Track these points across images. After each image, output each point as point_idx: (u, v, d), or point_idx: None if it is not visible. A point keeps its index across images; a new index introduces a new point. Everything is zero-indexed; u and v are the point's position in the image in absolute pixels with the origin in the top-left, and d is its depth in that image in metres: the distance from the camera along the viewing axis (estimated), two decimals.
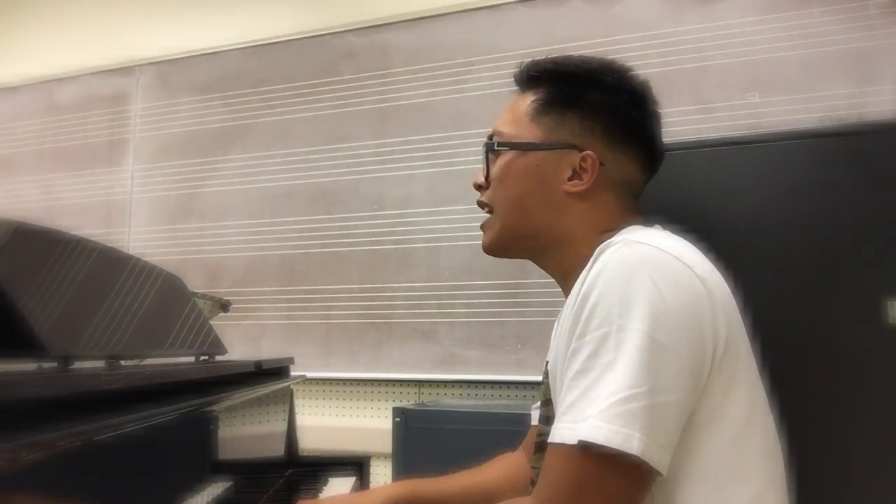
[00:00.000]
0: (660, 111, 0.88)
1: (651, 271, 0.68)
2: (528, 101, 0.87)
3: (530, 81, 0.88)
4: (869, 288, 1.04)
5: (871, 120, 1.53)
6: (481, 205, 0.91)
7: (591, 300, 0.69)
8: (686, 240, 0.81)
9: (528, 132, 0.85)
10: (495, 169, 0.87)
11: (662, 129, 0.88)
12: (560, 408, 0.69)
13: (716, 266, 0.76)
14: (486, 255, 0.92)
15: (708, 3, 1.91)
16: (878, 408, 1.02)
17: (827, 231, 1.07)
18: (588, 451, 0.63)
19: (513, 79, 0.91)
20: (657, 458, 0.63)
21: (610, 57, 0.88)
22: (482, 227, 0.91)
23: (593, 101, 0.84)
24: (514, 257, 0.92)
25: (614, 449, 0.62)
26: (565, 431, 0.66)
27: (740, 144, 1.15)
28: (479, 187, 0.91)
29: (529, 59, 0.89)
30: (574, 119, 0.84)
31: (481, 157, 0.90)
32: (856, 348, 1.04)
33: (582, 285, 0.72)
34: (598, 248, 0.74)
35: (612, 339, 0.66)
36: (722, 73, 1.87)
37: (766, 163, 1.13)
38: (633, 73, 0.87)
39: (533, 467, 0.85)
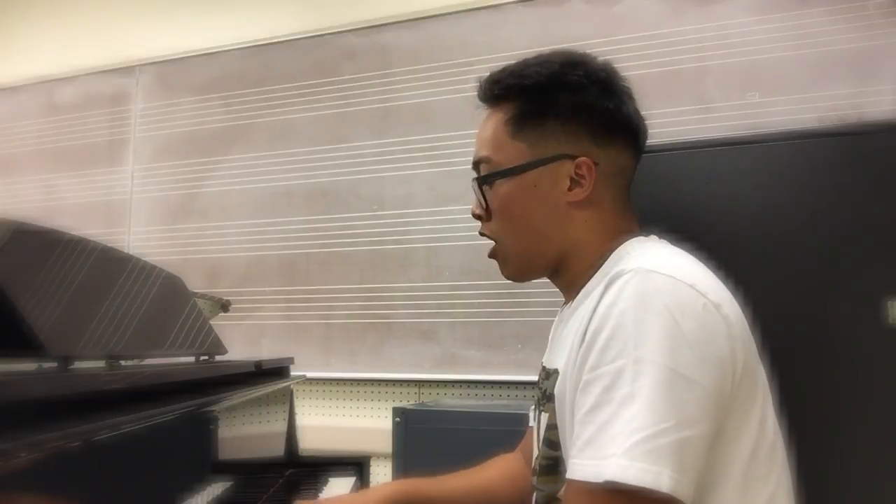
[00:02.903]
0: (628, 85, 0.85)
1: (667, 302, 0.67)
2: (503, 119, 0.85)
3: (496, 99, 0.87)
4: (869, 288, 1.04)
5: (871, 120, 1.53)
6: (484, 235, 0.89)
7: (605, 332, 0.67)
8: (686, 243, 0.80)
9: (514, 152, 0.83)
10: (494, 200, 0.85)
11: (636, 102, 0.86)
12: (575, 442, 0.68)
13: (716, 269, 0.76)
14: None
15: (708, 3, 1.91)
16: (878, 408, 1.02)
17: (827, 231, 1.07)
18: (615, 490, 0.62)
19: (477, 97, 0.88)
20: (685, 492, 0.62)
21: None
22: (494, 257, 0.89)
23: (566, 104, 0.82)
24: (537, 278, 0.90)
25: (644, 488, 0.61)
26: (587, 469, 0.64)
27: (740, 144, 1.16)
28: (478, 217, 0.89)
29: (488, 76, 0.87)
30: (555, 127, 0.82)
31: (475, 189, 0.88)
32: (856, 348, 1.04)
33: (593, 313, 0.70)
34: (609, 275, 0.72)
35: (628, 371, 0.64)
36: (722, 73, 1.87)
37: (766, 163, 1.13)
38: (592, 60, 0.85)
39: (538, 489, 0.84)
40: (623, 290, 0.68)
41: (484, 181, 0.86)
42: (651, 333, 0.65)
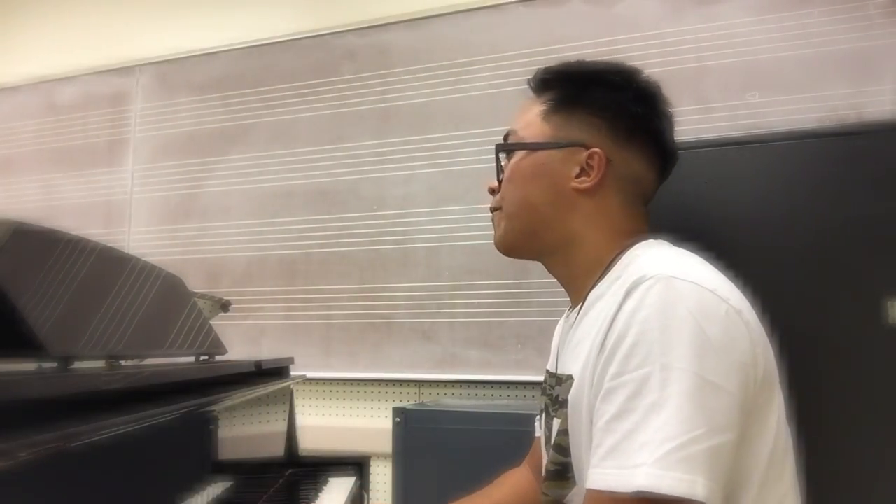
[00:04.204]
0: (671, 112, 0.88)
1: (691, 309, 0.66)
2: (540, 102, 0.89)
3: (543, 85, 0.90)
4: (869, 288, 1.04)
5: (871, 120, 1.53)
6: (493, 209, 0.91)
7: (629, 339, 0.67)
8: (686, 244, 0.81)
9: (539, 132, 0.87)
10: (507, 171, 0.89)
11: (674, 131, 0.89)
12: (596, 450, 0.67)
13: (720, 269, 0.76)
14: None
15: (708, 3, 1.91)
16: (878, 408, 1.02)
17: (827, 231, 1.07)
18: (646, 500, 0.61)
19: (527, 84, 0.92)
20: (716, 499, 0.62)
21: (620, 59, 0.89)
22: (493, 222, 0.92)
23: (598, 99, 0.85)
24: (525, 258, 0.92)
25: (679, 497, 0.60)
26: (612, 478, 0.64)
27: (740, 144, 1.16)
28: (492, 191, 0.92)
29: (544, 66, 0.91)
30: (581, 117, 0.85)
31: (493, 159, 0.91)
32: (856, 348, 1.04)
33: (613, 320, 0.70)
34: (622, 279, 0.73)
35: (655, 378, 0.64)
36: (722, 73, 1.87)
37: (766, 163, 1.13)
38: (642, 74, 0.88)
39: (544, 494, 0.84)
40: (646, 297, 0.68)
41: (502, 149, 0.90)
42: (677, 340, 0.65)
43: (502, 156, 0.91)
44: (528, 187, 0.86)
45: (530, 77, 0.92)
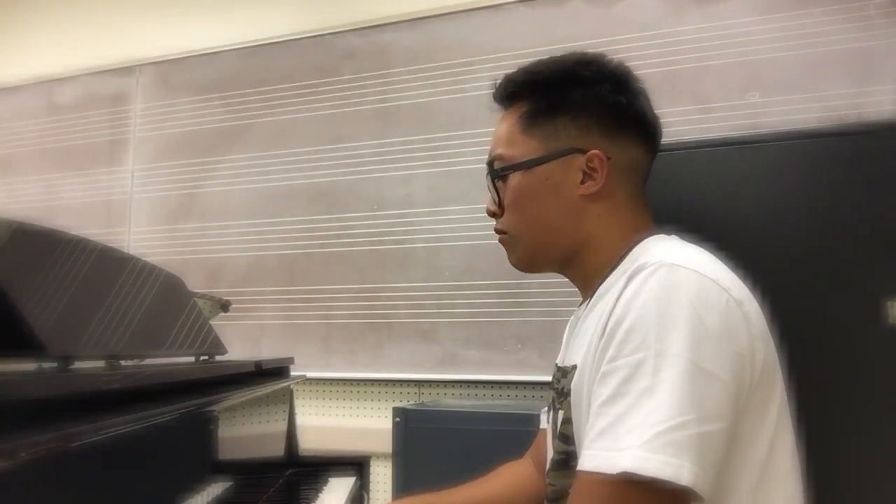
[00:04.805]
0: (643, 87, 0.87)
1: (690, 296, 0.67)
2: (515, 117, 0.86)
3: (510, 98, 0.88)
4: (869, 288, 1.04)
5: (871, 120, 1.53)
6: (499, 232, 0.90)
7: (626, 324, 0.67)
8: (691, 243, 0.80)
9: (527, 148, 0.84)
10: (507, 195, 0.86)
11: (651, 102, 0.87)
12: (589, 432, 0.67)
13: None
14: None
15: (708, 3, 1.91)
16: (878, 408, 1.02)
17: (827, 231, 1.07)
18: (631, 482, 0.61)
19: (492, 100, 0.90)
20: (704, 487, 0.62)
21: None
22: (502, 244, 0.91)
23: (578, 99, 0.83)
24: (546, 271, 0.91)
25: (664, 480, 0.60)
26: (599, 459, 0.64)
27: (740, 144, 1.16)
28: (493, 214, 0.90)
29: (503, 77, 0.89)
30: (566, 122, 0.83)
31: (489, 186, 0.89)
32: (856, 348, 1.04)
33: (614, 306, 0.70)
34: (631, 268, 0.72)
35: (649, 364, 0.64)
36: (722, 73, 1.87)
37: (766, 163, 1.13)
38: (607, 59, 0.86)
39: (550, 484, 0.84)
40: (646, 283, 0.68)
41: (496, 176, 0.87)
42: (674, 327, 0.65)
43: (497, 181, 0.88)
44: (535, 206, 0.84)
45: (493, 92, 0.89)
